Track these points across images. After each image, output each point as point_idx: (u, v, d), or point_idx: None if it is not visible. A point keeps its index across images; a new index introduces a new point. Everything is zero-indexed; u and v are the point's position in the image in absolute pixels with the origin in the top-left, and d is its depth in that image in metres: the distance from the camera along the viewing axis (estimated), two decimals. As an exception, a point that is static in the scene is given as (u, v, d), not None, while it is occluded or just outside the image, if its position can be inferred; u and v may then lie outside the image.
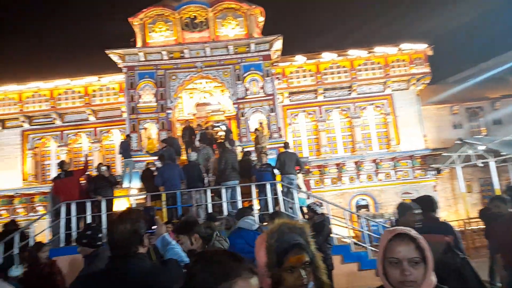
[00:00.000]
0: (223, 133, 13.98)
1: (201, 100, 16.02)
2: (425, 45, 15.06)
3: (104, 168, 9.28)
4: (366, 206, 14.88)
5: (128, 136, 12.32)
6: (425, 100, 15.47)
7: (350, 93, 15.14)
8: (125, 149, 11.56)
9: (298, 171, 9.78)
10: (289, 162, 9.49)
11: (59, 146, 15.46)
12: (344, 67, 14.89)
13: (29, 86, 15.03)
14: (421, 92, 15.59)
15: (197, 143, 10.80)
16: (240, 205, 8.64)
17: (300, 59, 14.78)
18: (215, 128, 14.85)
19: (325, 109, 15.23)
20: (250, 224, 4.42)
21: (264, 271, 1.29)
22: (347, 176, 14.82)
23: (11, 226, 9.35)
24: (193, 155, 9.54)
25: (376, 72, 14.95)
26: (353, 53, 14.85)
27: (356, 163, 14.62)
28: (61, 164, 9.25)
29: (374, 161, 14.60)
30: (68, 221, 8.43)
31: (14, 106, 15.12)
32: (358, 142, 14.98)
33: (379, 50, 14.89)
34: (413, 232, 1.40)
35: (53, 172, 15.54)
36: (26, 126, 15.35)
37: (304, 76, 14.84)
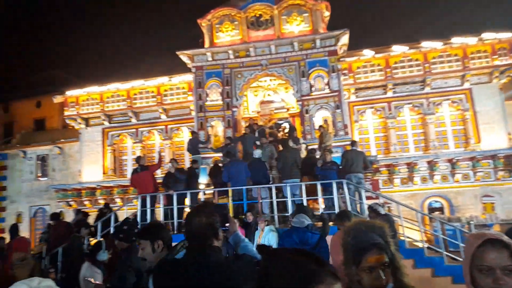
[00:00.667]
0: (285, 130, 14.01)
1: (266, 97, 16.14)
2: (510, 34, 13.58)
3: (170, 164, 9.75)
4: (440, 209, 13.87)
5: (194, 132, 12.82)
6: (509, 95, 13.99)
7: (423, 88, 14.16)
8: (193, 146, 12.06)
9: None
10: (356, 160, 9.20)
11: (134, 143, 16.62)
12: (416, 60, 13.95)
13: (109, 87, 16.34)
14: (505, 85, 14.10)
15: (263, 140, 10.91)
16: (305, 203, 8.58)
17: (368, 53, 14.15)
18: (280, 127, 14.91)
19: (395, 106, 14.43)
20: (301, 221, 4.41)
21: (340, 270, 1.26)
22: (419, 176, 13.91)
23: (105, 209, 10.32)
24: (258, 152, 9.66)
25: (453, 64, 13.79)
26: (427, 45, 13.84)
27: (429, 162, 13.66)
28: (138, 159, 9.95)
29: (450, 160, 13.52)
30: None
31: (96, 106, 16.54)
32: (432, 141, 13.98)
33: (457, 40, 13.71)
34: (505, 238, 1.26)
35: (129, 167, 16.78)
36: (106, 124, 16.71)
37: (372, 71, 14.17)
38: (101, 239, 4.95)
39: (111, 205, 13.08)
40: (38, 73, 25.05)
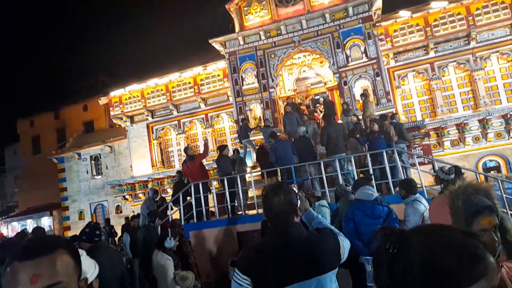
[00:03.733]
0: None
1: (301, 74, 15.96)
2: None
3: (226, 151, 9.92)
4: (496, 168, 13.22)
5: (244, 119, 12.95)
6: None
7: (468, 43, 13.30)
8: (244, 131, 12.24)
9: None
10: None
11: (177, 134, 17.13)
12: (458, 14, 13.06)
13: (148, 83, 16.83)
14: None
15: (304, 118, 10.87)
16: (355, 176, 8.53)
17: (404, 14, 13.44)
18: (318, 102, 14.73)
19: (438, 66, 13.70)
20: (369, 194, 4.22)
21: None
22: (471, 136, 13.27)
23: (161, 201, 10.88)
24: (302, 130, 9.65)
25: (500, 14, 12.79)
26: (469, -4, 12.93)
27: (481, 121, 12.97)
28: (186, 150, 10.25)
29: (504, 116, 12.75)
30: (198, 200, 9.41)
31: (139, 103, 17.15)
32: (482, 98, 13.23)
33: (502, -14, 12.69)
34: None
35: (176, 157, 17.39)
36: (150, 119, 17.32)
37: (411, 32, 13.46)
38: (168, 228, 5.20)
39: (163, 195, 13.73)
40: (82, 79, 26.28)
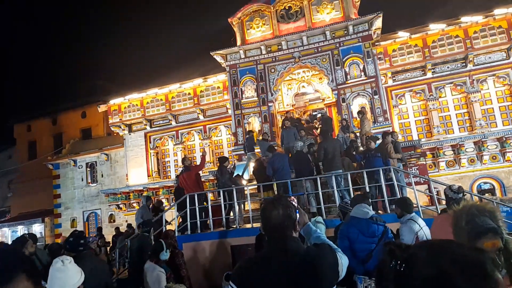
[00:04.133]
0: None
1: (300, 90, 16.10)
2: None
3: (227, 163, 9.83)
4: (491, 191, 13.29)
5: (250, 132, 12.95)
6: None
7: (465, 66, 13.53)
8: (250, 144, 12.20)
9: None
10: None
11: (175, 145, 17.12)
12: (456, 36, 13.33)
13: (148, 93, 16.91)
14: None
15: (302, 133, 10.92)
16: (351, 194, 8.53)
17: (403, 34, 13.69)
18: (316, 118, 14.82)
19: (435, 86, 13.90)
20: (364, 212, 4.18)
21: None
22: (466, 158, 13.37)
23: (159, 204, 10.80)
24: (300, 145, 9.68)
25: (497, 38, 13.05)
26: (467, 19, 13.19)
27: (476, 142, 13.10)
28: (183, 161, 10.25)
29: (499, 139, 12.89)
30: (193, 211, 9.35)
31: (138, 112, 17.18)
32: (477, 120, 13.38)
33: (500, 12, 12.97)
34: None
35: (172, 168, 17.35)
36: (148, 128, 17.32)
37: (410, 53, 13.70)
38: (161, 240, 5.14)
39: (155, 205, 13.59)
40: (81, 85, 26.33)
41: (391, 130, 11.29)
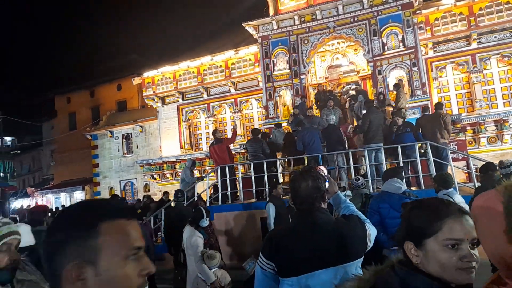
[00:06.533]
0: (353, 92, 13.44)
1: (334, 62, 15.60)
2: None
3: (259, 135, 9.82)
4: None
5: (303, 97, 12.58)
6: None
7: (514, 35, 12.53)
8: (301, 110, 11.79)
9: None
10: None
11: (207, 117, 17.29)
12: (507, 3, 12.25)
13: (181, 65, 16.99)
14: None
15: (331, 103, 10.65)
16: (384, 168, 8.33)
17: (447, 1, 12.76)
18: (349, 91, 14.39)
19: (480, 58, 13.00)
20: (397, 187, 4.08)
21: (504, 238, 1.07)
22: (510, 134, 12.62)
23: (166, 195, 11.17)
24: (332, 118, 9.49)
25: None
26: (519, -16, 12.10)
27: (522, 118, 12.29)
28: (214, 133, 10.34)
29: (547, 114, 12.02)
30: (224, 182, 9.52)
31: (170, 84, 17.38)
32: (525, 93, 12.49)
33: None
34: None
35: (204, 140, 17.61)
36: (181, 101, 17.54)
37: (454, 21, 12.79)
38: (201, 207, 5.33)
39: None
40: (116, 59, 26.90)
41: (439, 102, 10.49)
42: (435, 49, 13.35)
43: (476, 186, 6.58)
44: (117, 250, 0.80)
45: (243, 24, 13.82)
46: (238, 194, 9.75)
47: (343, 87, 15.59)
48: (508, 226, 1.07)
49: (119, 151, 20.76)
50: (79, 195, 24.27)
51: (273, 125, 12.60)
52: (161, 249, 8.42)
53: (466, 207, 4.11)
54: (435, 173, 7.11)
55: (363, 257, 1.93)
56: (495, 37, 12.77)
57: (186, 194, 9.43)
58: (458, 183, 7.51)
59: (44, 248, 0.81)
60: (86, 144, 22.29)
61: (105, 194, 21.00)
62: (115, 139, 20.82)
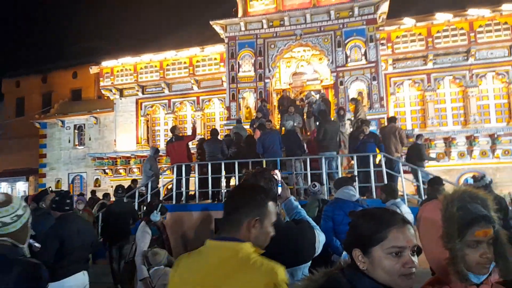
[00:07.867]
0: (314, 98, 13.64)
1: (298, 69, 15.81)
2: None
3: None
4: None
5: (264, 100, 12.56)
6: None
7: (466, 59, 13.36)
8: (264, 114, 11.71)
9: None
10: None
11: (166, 114, 16.84)
12: (461, 29, 13.08)
13: (143, 58, 16.44)
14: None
15: (291, 109, 10.76)
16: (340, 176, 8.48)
17: (408, 22, 13.39)
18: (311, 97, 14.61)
19: (435, 77, 13.76)
20: (351, 195, 4.18)
21: (441, 243, 1.17)
22: (457, 152, 13.41)
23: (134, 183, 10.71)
24: (290, 123, 9.54)
25: (501, 34, 12.88)
26: (474, 12, 12.94)
27: (468, 137, 13.11)
28: (173, 129, 10.04)
29: (491, 135, 12.91)
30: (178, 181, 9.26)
31: (130, 77, 16.75)
32: (472, 114, 13.35)
33: (507, 8, 12.73)
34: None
35: (162, 137, 17.14)
36: (140, 95, 16.95)
37: (413, 41, 13.45)
38: (154, 201, 5.26)
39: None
40: (74, 44, 25.61)
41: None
42: (394, 65, 13.94)
43: (423, 198, 6.86)
44: (272, 218, 1.49)
45: (211, 22, 13.64)
46: (193, 193, 9.53)
47: (305, 95, 15.83)
48: (444, 232, 1.18)
49: (69, 142, 19.65)
50: (22, 186, 22.71)
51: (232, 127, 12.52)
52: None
53: (411, 216, 4.29)
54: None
55: (310, 262, 1.93)
56: (449, 59, 13.57)
57: (151, 185, 9.16)
58: (407, 195, 7.80)
59: (234, 205, 1.50)
60: (34, 132, 20.88)
61: (51, 187, 19.78)
62: (67, 129, 19.70)
